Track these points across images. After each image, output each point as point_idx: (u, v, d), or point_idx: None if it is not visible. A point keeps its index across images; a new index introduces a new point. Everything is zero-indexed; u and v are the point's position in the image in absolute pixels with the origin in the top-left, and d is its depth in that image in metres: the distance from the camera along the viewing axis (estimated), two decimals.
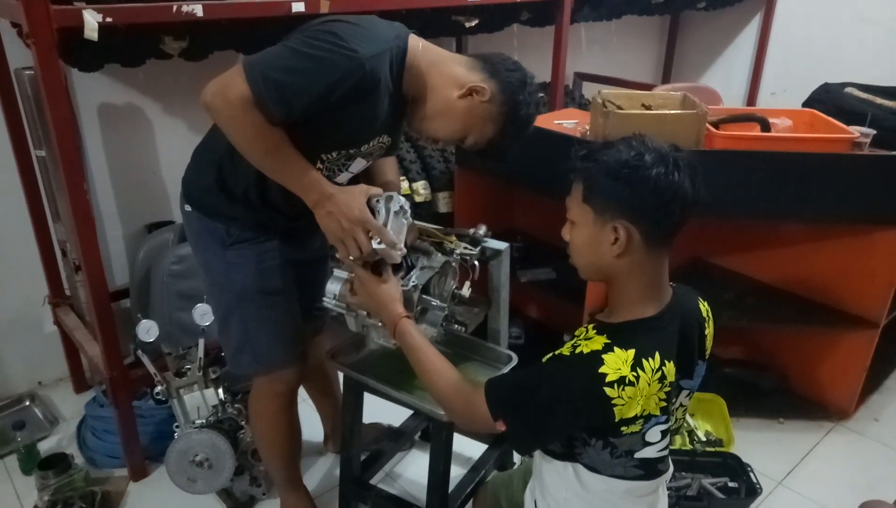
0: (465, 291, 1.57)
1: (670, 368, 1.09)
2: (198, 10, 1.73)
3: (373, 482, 1.93)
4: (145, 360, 1.81)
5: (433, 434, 1.66)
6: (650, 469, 1.15)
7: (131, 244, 2.44)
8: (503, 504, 1.50)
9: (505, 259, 1.70)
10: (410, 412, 2.07)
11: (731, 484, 1.93)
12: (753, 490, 1.86)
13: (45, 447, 2.13)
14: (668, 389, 1.08)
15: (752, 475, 1.92)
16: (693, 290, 1.23)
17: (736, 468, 1.95)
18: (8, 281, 2.28)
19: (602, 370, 1.02)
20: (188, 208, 1.52)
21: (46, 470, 1.85)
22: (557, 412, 1.08)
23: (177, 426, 1.81)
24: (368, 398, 1.72)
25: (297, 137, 1.30)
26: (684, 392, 1.20)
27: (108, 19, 1.59)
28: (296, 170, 1.31)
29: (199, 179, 1.50)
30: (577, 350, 1.07)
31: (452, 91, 1.33)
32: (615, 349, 1.04)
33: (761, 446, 2.19)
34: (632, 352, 1.05)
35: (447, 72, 1.35)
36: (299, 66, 1.22)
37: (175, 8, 1.70)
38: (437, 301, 1.51)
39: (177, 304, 2.13)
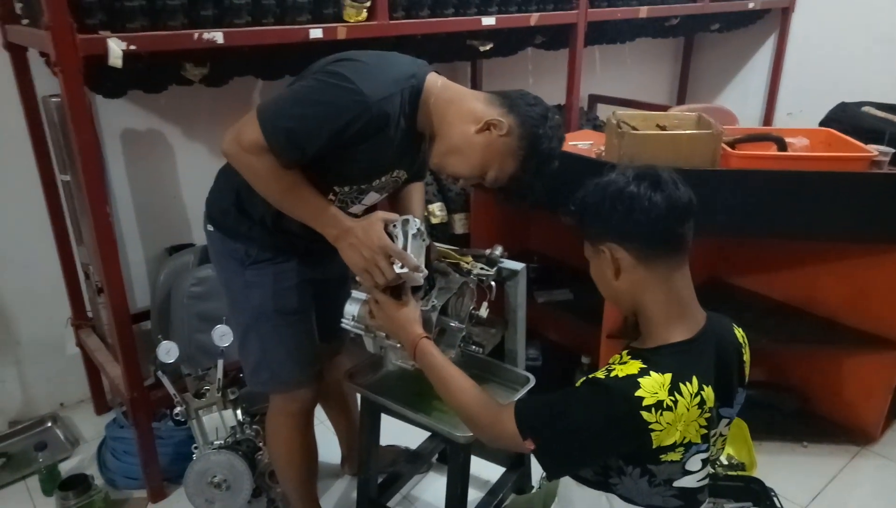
0: (483, 311, 1.58)
1: (709, 393, 1.06)
2: (218, 37, 1.77)
3: (390, 504, 1.92)
4: (165, 381, 1.82)
5: (450, 456, 1.65)
6: (690, 500, 1.12)
7: (152, 267, 2.47)
8: None
9: (521, 280, 1.70)
10: (427, 434, 2.07)
11: None
12: None
13: (66, 467, 2.14)
14: (708, 415, 1.06)
15: (775, 500, 1.87)
16: (726, 317, 1.22)
17: (759, 492, 1.90)
18: (32, 303, 2.31)
19: (639, 393, 1.01)
20: (210, 227, 1.55)
21: (67, 491, 1.86)
22: (590, 435, 1.06)
23: (195, 448, 1.81)
24: (386, 420, 1.72)
25: (310, 172, 1.33)
26: (724, 421, 1.17)
27: (132, 47, 1.64)
28: (312, 208, 1.35)
29: (220, 201, 1.53)
30: (612, 374, 1.05)
31: (469, 126, 1.32)
32: (651, 373, 1.03)
33: (785, 470, 2.15)
34: (668, 376, 1.03)
35: (465, 108, 1.34)
36: (307, 112, 1.25)
37: (196, 35, 1.75)
38: (455, 322, 1.52)
39: (197, 325, 2.15)
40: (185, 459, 1.83)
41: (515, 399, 1.16)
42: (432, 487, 2.09)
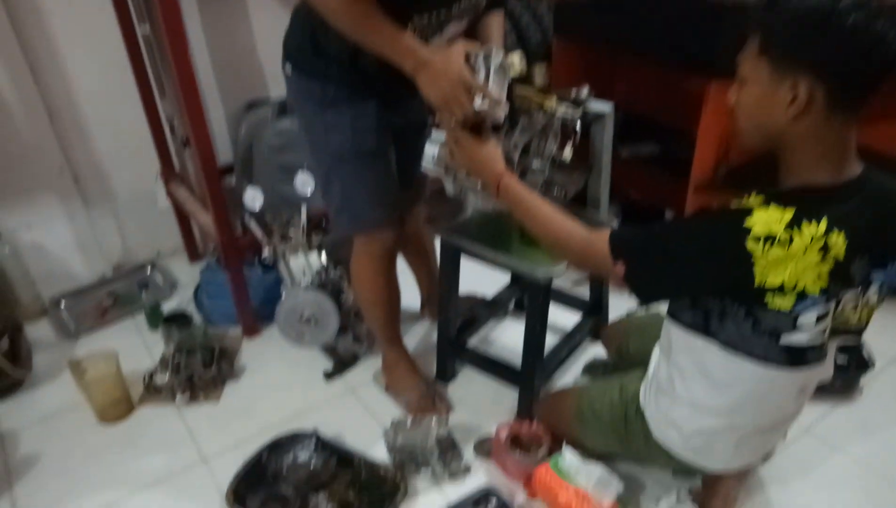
0: (567, 153, 1.52)
1: (838, 239, 0.95)
2: None
3: (469, 345, 1.99)
4: (252, 225, 1.89)
5: (530, 297, 1.67)
6: (796, 357, 1.04)
7: (232, 123, 2.50)
8: (631, 346, 1.49)
9: (609, 122, 1.63)
10: (504, 284, 2.10)
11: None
12: (864, 364, 1.79)
13: (166, 308, 2.30)
14: (830, 265, 0.96)
15: (863, 349, 1.83)
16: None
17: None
18: (123, 159, 2.40)
19: (748, 222, 0.94)
20: (288, 67, 1.53)
21: (171, 324, 2.01)
22: (686, 257, 1.00)
23: (284, 288, 1.90)
24: (463, 269, 1.74)
25: (386, 4, 1.26)
26: (874, 287, 1.06)
27: None
28: (389, 39, 1.29)
29: (297, 39, 1.50)
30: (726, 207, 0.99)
31: None
32: (772, 205, 0.95)
33: (876, 323, 2.05)
34: (791, 211, 0.94)
35: None
36: None
37: None
38: (538, 163, 1.48)
39: (279, 177, 2.19)
40: (273, 302, 1.93)
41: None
42: (509, 330, 2.14)
